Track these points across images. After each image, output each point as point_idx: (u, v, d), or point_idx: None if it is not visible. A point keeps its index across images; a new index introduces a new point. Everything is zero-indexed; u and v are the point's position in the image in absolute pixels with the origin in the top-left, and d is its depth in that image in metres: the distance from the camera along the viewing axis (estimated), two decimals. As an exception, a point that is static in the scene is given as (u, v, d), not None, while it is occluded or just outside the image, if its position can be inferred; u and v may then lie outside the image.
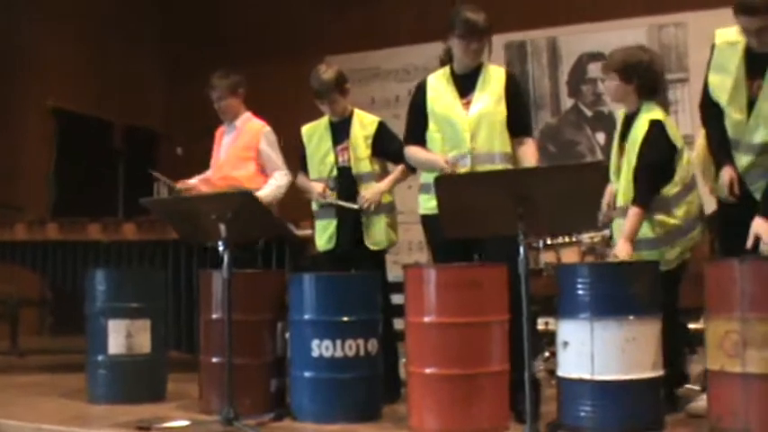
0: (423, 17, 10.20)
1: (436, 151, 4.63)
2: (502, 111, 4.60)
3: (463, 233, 3.99)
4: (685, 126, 7.93)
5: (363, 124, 5.35)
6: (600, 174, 3.89)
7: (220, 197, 4.23)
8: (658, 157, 4.38)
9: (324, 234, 5.25)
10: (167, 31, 12.26)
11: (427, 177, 4.59)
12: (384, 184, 5.24)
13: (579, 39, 9.54)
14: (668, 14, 9.53)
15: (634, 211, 4.29)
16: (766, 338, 3.68)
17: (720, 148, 4.46)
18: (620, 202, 4.49)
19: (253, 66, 11.53)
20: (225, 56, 11.78)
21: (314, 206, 5.33)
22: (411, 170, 5.18)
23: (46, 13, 10.39)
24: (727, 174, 4.37)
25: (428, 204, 4.55)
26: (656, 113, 4.45)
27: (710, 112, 4.50)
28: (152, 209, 4.78)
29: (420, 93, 4.79)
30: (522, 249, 3.60)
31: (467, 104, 4.63)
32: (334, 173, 5.28)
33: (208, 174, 6.12)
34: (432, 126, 4.69)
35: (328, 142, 5.34)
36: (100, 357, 5.13)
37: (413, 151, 4.77)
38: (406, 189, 5.47)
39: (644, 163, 4.36)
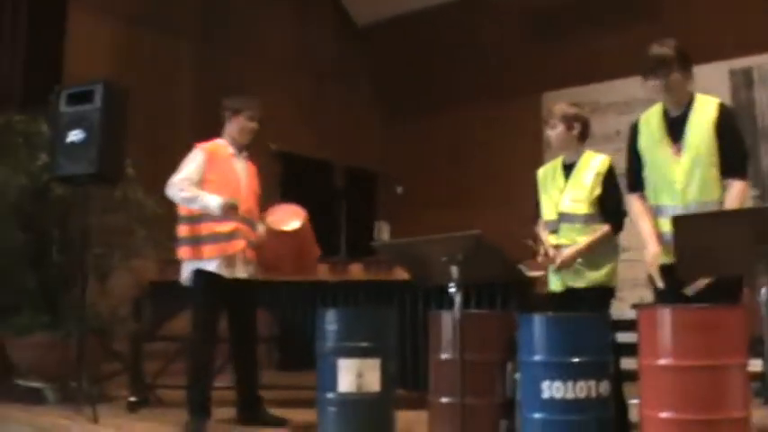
0: (643, 47, 10.02)
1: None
2: (714, 152, 4.40)
3: (700, 272, 3.87)
4: None
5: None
6: None
7: (451, 239, 4.25)
8: None
9: (555, 276, 5.16)
10: (381, 74, 12.57)
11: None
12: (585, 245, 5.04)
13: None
14: None
15: None
16: None
17: None
18: None
19: (467, 106, 11.71)
20: (439, 97, 12.02)
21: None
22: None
23: (264, 62, 10.92)
24: None
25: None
26: None
27: None
28: (383, 251, 4.87)
29: (633, 135, 4.70)
30: (764, 290, 3.46)
31: (678, 151, 4.46)
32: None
33: None
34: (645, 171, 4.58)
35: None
36: (330, 395, 5.23)
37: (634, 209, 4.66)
38: (630, 224, 5.34)
39: None
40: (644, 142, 4.61)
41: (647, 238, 4.43)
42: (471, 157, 11.40)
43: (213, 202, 5.61)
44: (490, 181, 11.05)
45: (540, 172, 5.40)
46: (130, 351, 7.05)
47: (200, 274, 5.71)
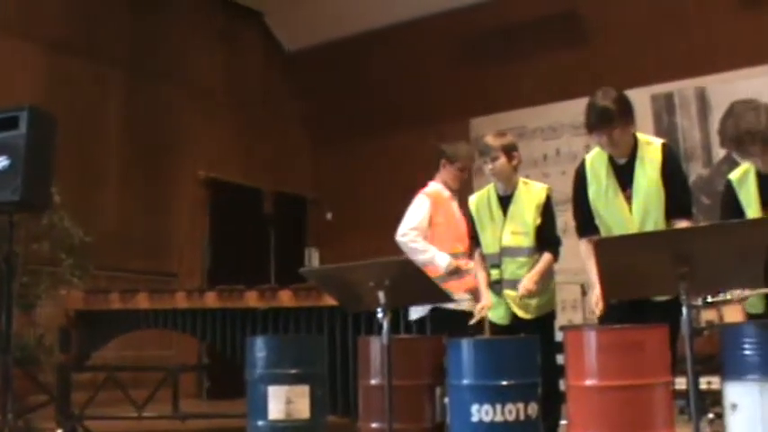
0: (566, 73, 10.19)
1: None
2: (662, 194, 4.48)
3: (624, 295, 3.92)
4: None
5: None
6: (765, 230, 3.76)
7: (378, 265, 4.26)
8: None
9: (500, 308, 5.20)
10: (310, 100, 12.58)
11: None
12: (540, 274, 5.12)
13: (729, 87, 9.28)
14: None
15: None
16: None
17: None
18: None
19: (396, 132, 11.76)
20: (368, 122, 12.07)
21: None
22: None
23: (193, 91, 10.90)
24: None
25: None
26: None
27: None
28: (311, 278, 4.86)
29: (580, 182, 4.71)
30: (685, 310, 3.52)
31: (629, 198, 4.53)
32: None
33: None
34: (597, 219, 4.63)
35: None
36: (260, 423, 5.20)
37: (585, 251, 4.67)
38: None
39: None
40: (594, 192, 4.64)
41: (595, 282, 4.47)
42: (400, 182, 11.36)
43: (442, 262, 5.61)
44: (420, 206, 11.02)
45: (473, 203, 5.43)
46: (57, 382, 6.93)
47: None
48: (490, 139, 5.27)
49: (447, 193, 6.01)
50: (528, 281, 5.03)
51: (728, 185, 4.52)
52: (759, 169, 4.39)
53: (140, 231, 10.10)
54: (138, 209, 10.16)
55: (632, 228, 4.47)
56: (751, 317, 4.48)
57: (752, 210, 4.39)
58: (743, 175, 4.46)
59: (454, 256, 5.64)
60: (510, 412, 4.39)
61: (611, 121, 4.43)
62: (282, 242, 11.03)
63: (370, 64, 11.76)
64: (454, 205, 6.02)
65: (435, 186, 6.04)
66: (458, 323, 5.44)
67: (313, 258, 10.79)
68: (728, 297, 5.63)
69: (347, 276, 4.38)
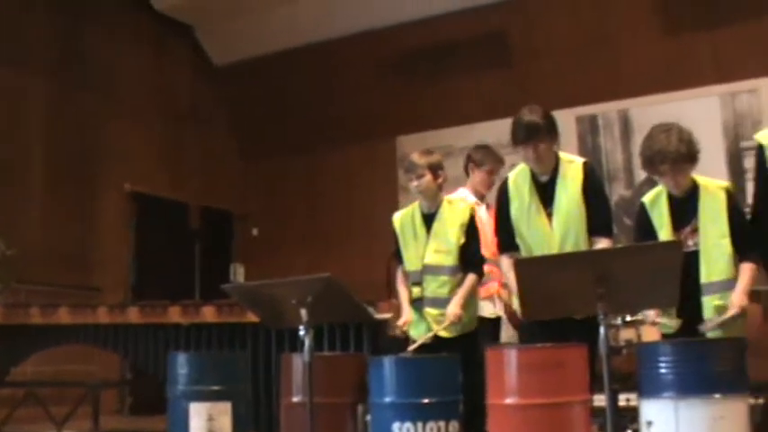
0: (492, 93, 10.31)
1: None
2: (583, 213, 4.57)
3: (543, 315, 3.98)
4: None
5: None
6: (679, 252, 3.85)
7: (301, 282, 4.26)
8: None
9: (421, 326, 5.22)
10: (239, 115, 12.54)
11: None
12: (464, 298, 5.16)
13: (652, 110, 9.45)
14: (741, 81, 9.51)
15: None
16: None
17: None
18: (704, 279, 4.46)
19: (323, 149, 11.78)
20: (295, 138, 12.07)
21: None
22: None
23: (120, 102, 10.78)
24: None
25: None
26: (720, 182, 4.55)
27: None
28: (233, 294, 4.83)
29: (503, 199, 4.77)
30: (602, 329, 3.58)
31: (550, 216, 4.60)
32: None
33: None
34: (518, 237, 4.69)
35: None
36: (181, 440, 5.17)
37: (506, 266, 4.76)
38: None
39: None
40: (516, 210, 4.69)
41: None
42: (327, 199, 11.43)
43: None
44: (346, 222, 11.10)
45: (397, 220, 5.45)
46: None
47: None
48: (416, 157, 5.31)
49: (473, 199, 6.03)
50: (455, 306, 5.07)
51: (642, 207, 4.64)
52: (671, 191, 4.51)
53: (64, 245, 9.93)
54: (63, 222, 9.99)
55: (553, 245, 4.54)
56: (665, 336, 4.57)
57: (664, 232, 4.50)
58: (655, 198, 4.58)
59: None
60: (431, 430, 4.41)
61: (537, 135, 4.52)
62: (208, 257, 10.96)
63: (299, 80, 11.75)
64: (481, 210, 6.04)
65: (461, 193, 6.08)
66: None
67: (238, 274, 10.74)
68: (640, 318, 5.71)
69: (270, 293, 4.38)
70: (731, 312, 4.31)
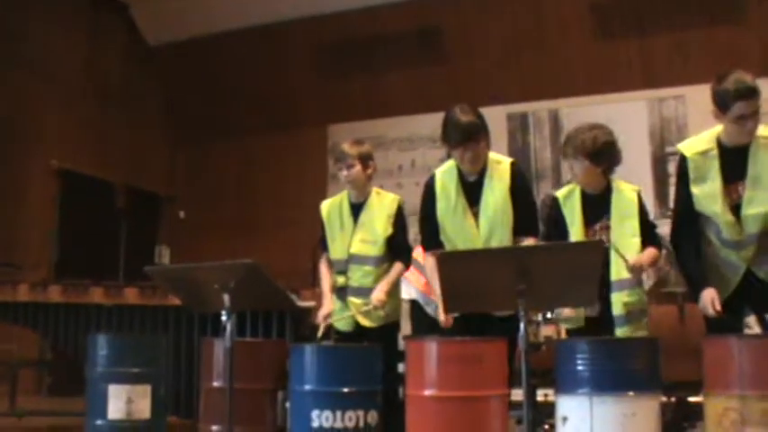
0: (426, 87, 10.37)
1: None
2: (509, 214, 4.60)
3: (464, 309, 4.02)
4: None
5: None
6: (600, 251, 3.92)
7: (224, 267, 4.25)
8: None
9: (344, 314, 5.22)
10: (171, 97, 12.42)
11: None
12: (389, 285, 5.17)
13: (581, 111, 9.60)
14: (667, 88, 9.71)
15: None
16: (764, 416, 3.69)
17: (696, 271, 4.41)
18: (614, 276, 4.54)
19: (254, 135, 11.73)
20: (227, 123, 12.00)
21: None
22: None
23: (50, 79, 10.58)
24: (708, 296, 4.27)
25: None
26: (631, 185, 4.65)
27: (689, 230, 4.45)
28: (155, 277, 4.80)
29: (429, 197, 4.77)
30: (522, 325, 3.63)
31: (476, 215, 4.62)
32: None
33: None
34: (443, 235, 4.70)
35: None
36: (99, 422, 5.12)
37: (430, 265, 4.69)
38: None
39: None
40: (442, 208, 4.69)
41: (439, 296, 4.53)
42: (258, 184, 11.38)
43: None
44: (276, 208, 11.06)
45: (325, 208, 5.44)
46: None
47: None
48: (347, 147, 5.31)
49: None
50: (380, 292, 5.07)
51: (555, 201, 4.71)
52: (584, 188, 4.59)
53: (-13, 221, 9.77)
54: (-14, 197, 9.83)
55: (477, 244, 4.56)
56: (572, 331, 4.66)
57: (575, 228, 4.59)
58: (569, 193, 4.66)
59: None
60: (350, 419, 4.44)
61: (477, 135, 4.53)
62: (133, 238, 10.79)
63: (232, 63, 11.68)
64: None
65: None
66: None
67: (163, 257, 10.63)
68: (550, 316, 5.79)
69: (192, 277, 4.36)
70: (630, 260, 4.40)
